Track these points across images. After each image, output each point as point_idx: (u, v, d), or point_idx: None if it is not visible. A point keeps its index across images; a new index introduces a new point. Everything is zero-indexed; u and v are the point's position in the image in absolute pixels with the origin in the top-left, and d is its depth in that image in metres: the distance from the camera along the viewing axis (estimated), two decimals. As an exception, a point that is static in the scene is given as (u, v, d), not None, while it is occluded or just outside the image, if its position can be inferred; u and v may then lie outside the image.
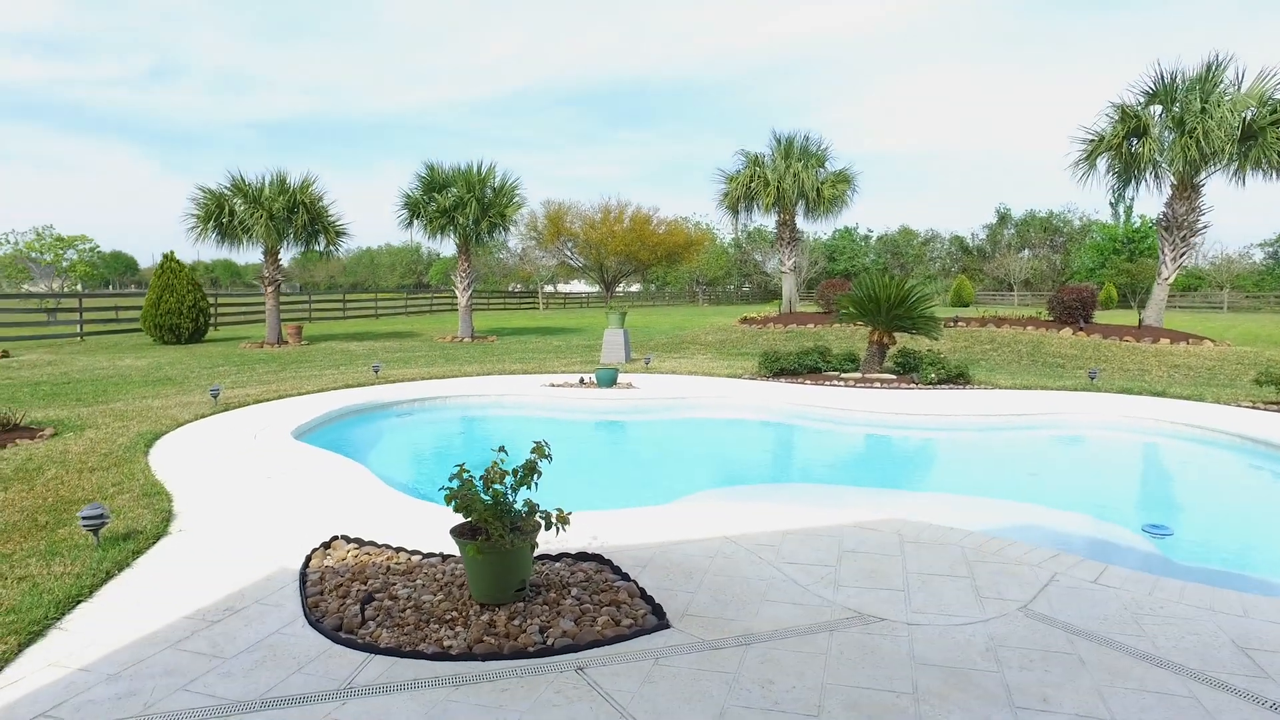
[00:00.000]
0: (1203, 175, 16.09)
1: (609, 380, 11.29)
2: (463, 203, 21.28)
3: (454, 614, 3.65)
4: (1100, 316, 39.13)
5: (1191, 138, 14.94)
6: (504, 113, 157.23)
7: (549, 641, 3.37)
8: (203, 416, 9.00)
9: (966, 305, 58.86)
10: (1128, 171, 16.84)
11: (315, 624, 3.57)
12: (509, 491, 3.78)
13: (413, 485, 6.92)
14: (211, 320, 27.66)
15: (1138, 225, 67.81)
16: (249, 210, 19.81)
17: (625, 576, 4.09)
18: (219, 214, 19.83)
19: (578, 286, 76.15)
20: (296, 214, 20.33)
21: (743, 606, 3.73)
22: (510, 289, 74.66)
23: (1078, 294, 17.04)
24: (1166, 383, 12.73)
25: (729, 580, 4.05)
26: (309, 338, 23.42)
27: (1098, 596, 3.80)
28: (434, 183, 21.78)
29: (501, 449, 4.05)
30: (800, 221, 21.87)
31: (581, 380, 11.73)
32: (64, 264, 36.96)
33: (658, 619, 3.60)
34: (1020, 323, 17.29)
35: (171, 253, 21.58)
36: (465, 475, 3.83)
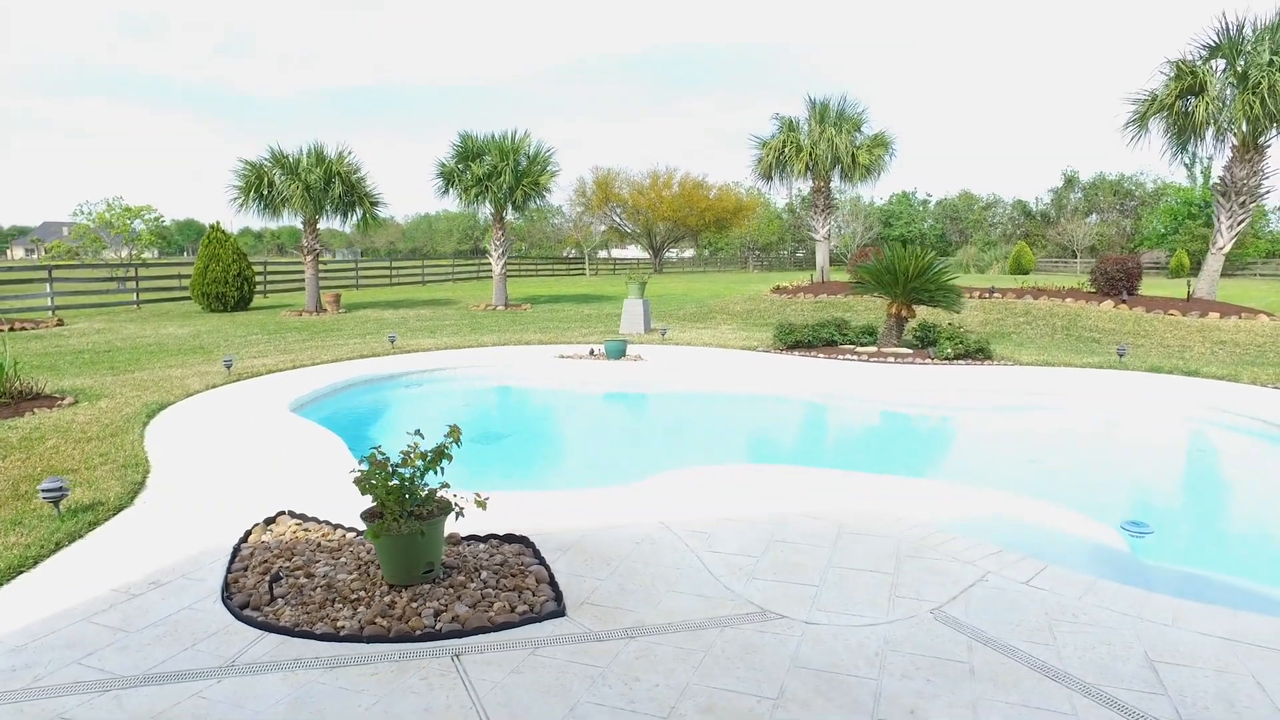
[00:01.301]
0: (1269, 135, 15.05)
1: (618, 352, 11.26)
2: (497, 171, 21.34)
3: (362, 594, 3.71)
4: (1168, 286, 37.37)
5: (1255, 94, 13.96)
6: (564, 80, 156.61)
7: (438, 626, 3.41)
8: (214, 387, 9.29)
9: (1026, 273, 56.80)
10: (1183, 133, 15.87)
11: (226, 600, 3.67)
12: (418, 475, 3.81)
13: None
14: (261, 288, 28.58)
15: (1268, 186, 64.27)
16: (287, 181, 20.21)
17: (542, 561, 4.10)
18: (259, 185, 20.29)
19: (631, 252, 76.01)
20: (332, 185, 20.66)
21: (646, 597, 3.70)
22: (565, 254, 74.89)
23: (1121, 264, 16.26)
24: (1206, 361, 12.11)
25: (645, 568, 4.03)
26: (348, 305, 23.94)
27: (1023, 599, 3.66)
28: (468, 151, 21.87)
29: (418, 432, 4.08)
30: (841, 187, 21.33)
31: (591, 352, 11.74)
32: (131, 234, 38.36)
33: (555, 606, 3.60)
34: (1060, 294, 16.61)
35: (218, 223, 22.24)
36: (379, 458, 3.87)
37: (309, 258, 21.54)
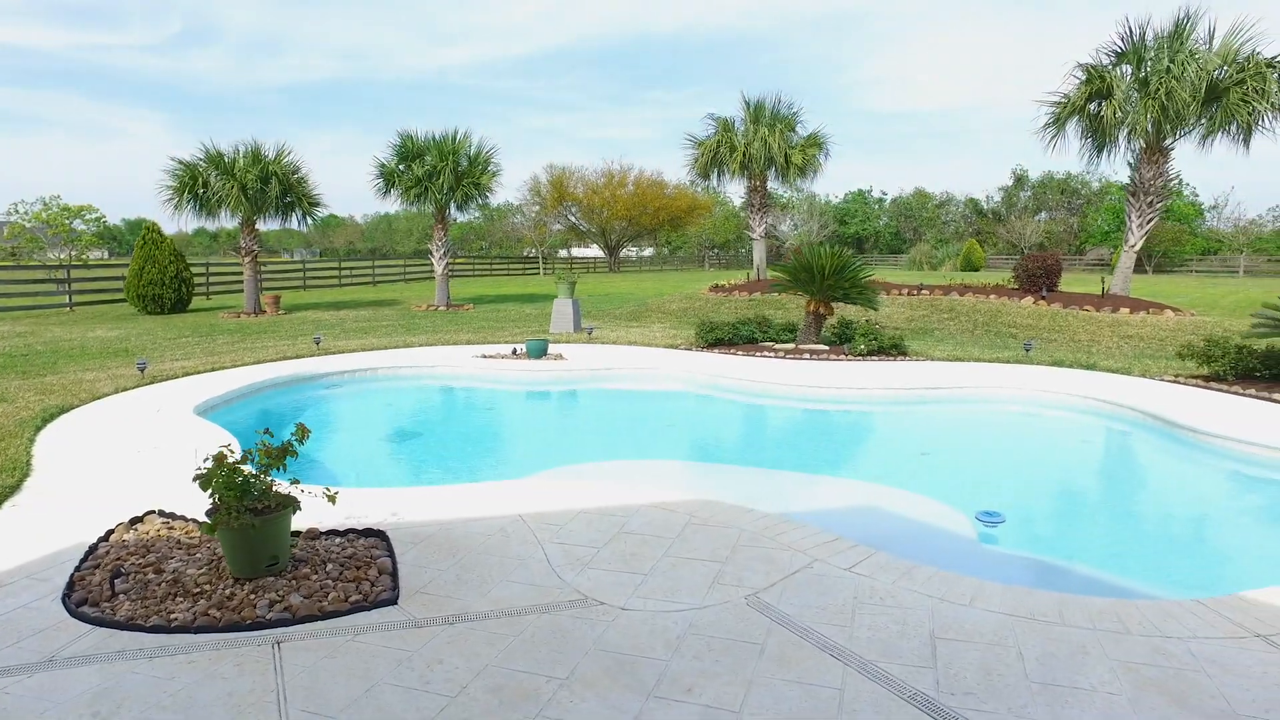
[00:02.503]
0: (1170, 139, 15.68)
1: (539, 351, 11.41)
2: (436, 171, 21.32)
3: (206, 587, 3.82)
4: (1089, 283, 38.42)
5: (1154, 99, 14.54)
6: (534, 74, 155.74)
7: (268, 616, 3.54)
8: (124, 390, 9.25)
9: (977, 269, 57.98)
10: (1098, 136, 16.44)
11: (65, 599, 3.76)
12: (260, 472, 3.93)
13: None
14: (204, 289, 28.19)
15: (1173, 185, 66.19)
16: (223, 181, 19.99)
17: (391, 554, 4.24)
18: (193, 185, 20.04)
19: (591, 251, 76.12)
20: (270, 185, 20.48)
21: (479, 586, 3.87)
22: (525, 253, 74.77)
23: (1042, 262, 16.81)
24: (1109, 354, 12.60)
25: (488, 559, 4.19)
26: (291, 307, 23.73)
27: (838, 584, 3.88)
28: (408, 151, 21.82)
29: (266, 430, 4.19)
30: (777, 186, 21.68)
31: (514, 351, 11.87)
32: (71, 234, 37.52)
33: (390, 595, 3.75)
34: (984, 291, 17.11)
35: (154, 224, 21.91)
36: (224, 457, 3.98)
37: (247, 259, 21.32)
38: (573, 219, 51.87)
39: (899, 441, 8.41)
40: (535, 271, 51.17)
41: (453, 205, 22.63)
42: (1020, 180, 76.93)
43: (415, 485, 5.61)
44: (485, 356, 11.60)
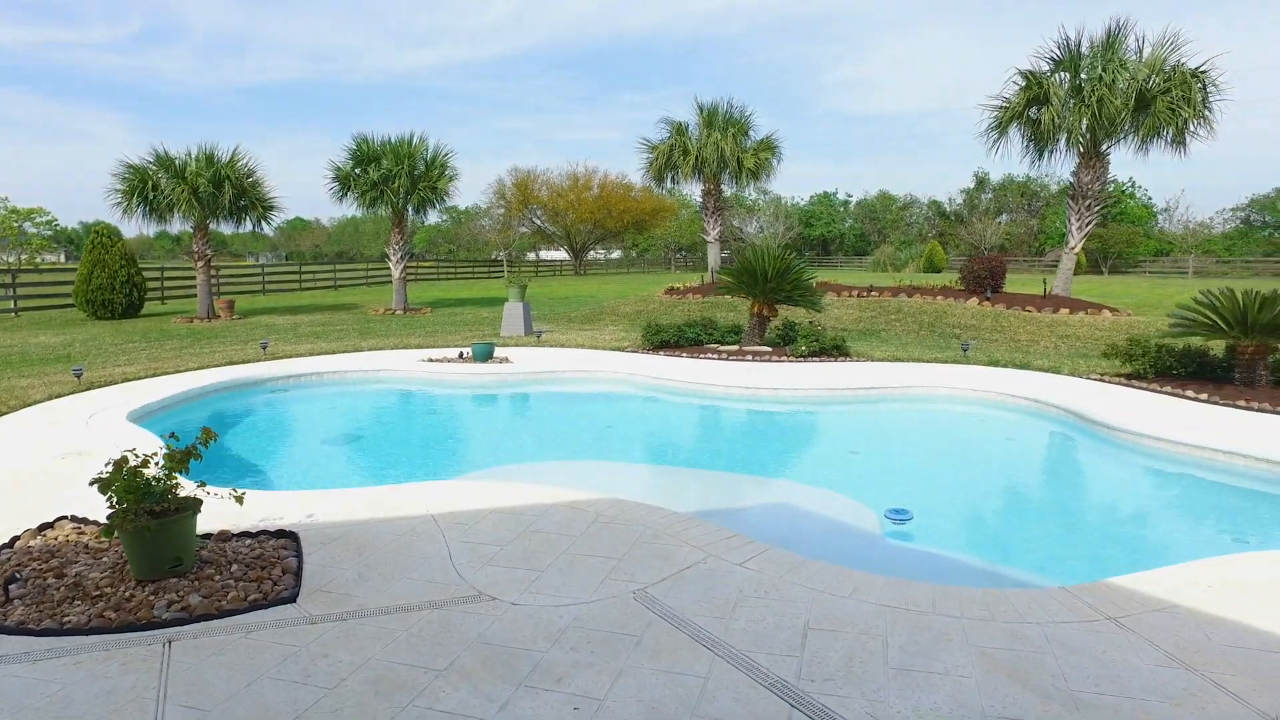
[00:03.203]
0: (1107, 145, 16.17)
1: (484, 355, 11.49)
2: (392, 175, 21.28)
3: (107, 590, 3.87)
4: (1036, 284, 39.22)
5: (1088, 106, 15.00)
6: (504, 76, 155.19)
7: (163, 616, 3.61)
8: (58, 396, 9.18)
9: (939, 270, 58.89)
10: (1041, 140, 16.89)
11: (-38, 603, 3.79)
12: (164, 476, 4.00)
13: (222, 465, 7.14)
14: (158, 294, 27.82)
15: (1112, 189, 67.71)
16: (172, 185, 19.79)
17: (299, 554, 4.32)
18: (143, 189, 19.81)
19: (559, 254, 76.17)
20: (223, 189, 20.31)
21: (379, 583, 3.97)
22: (494, 256, 74.58)
23: (987, 264, 17.21)
24: (1044, 354, 12.97)
25: (394, 557, 4.29)
26: (248, 311, 23.53)
27: (728, 579, 4.02)
28: (364, 155, 21.76)
29: (172, 435, 4.26)
30: (729, 188, 21.91)
31: (461, 355, 11.93)
32: (21, 237, 36.81)
33: (289, 594, 3.83)
34: (931, 292, 17.47)
35: (104, 226, 21.61)
36: (125, 461, 4.03)
37: (200, 263, 21.12)
38: (538, 222, 51.84)
39: (828, 441, 8.62)
40: (500, 275, 51.07)
41: (410, 209, 22.61)
42: (982, 183, 78.24)
43: (339, 488, 5.68)
44: (431, 360, 11.65)
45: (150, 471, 4.00)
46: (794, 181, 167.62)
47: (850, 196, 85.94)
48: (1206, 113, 14.95)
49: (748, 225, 73.53)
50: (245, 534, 4.61)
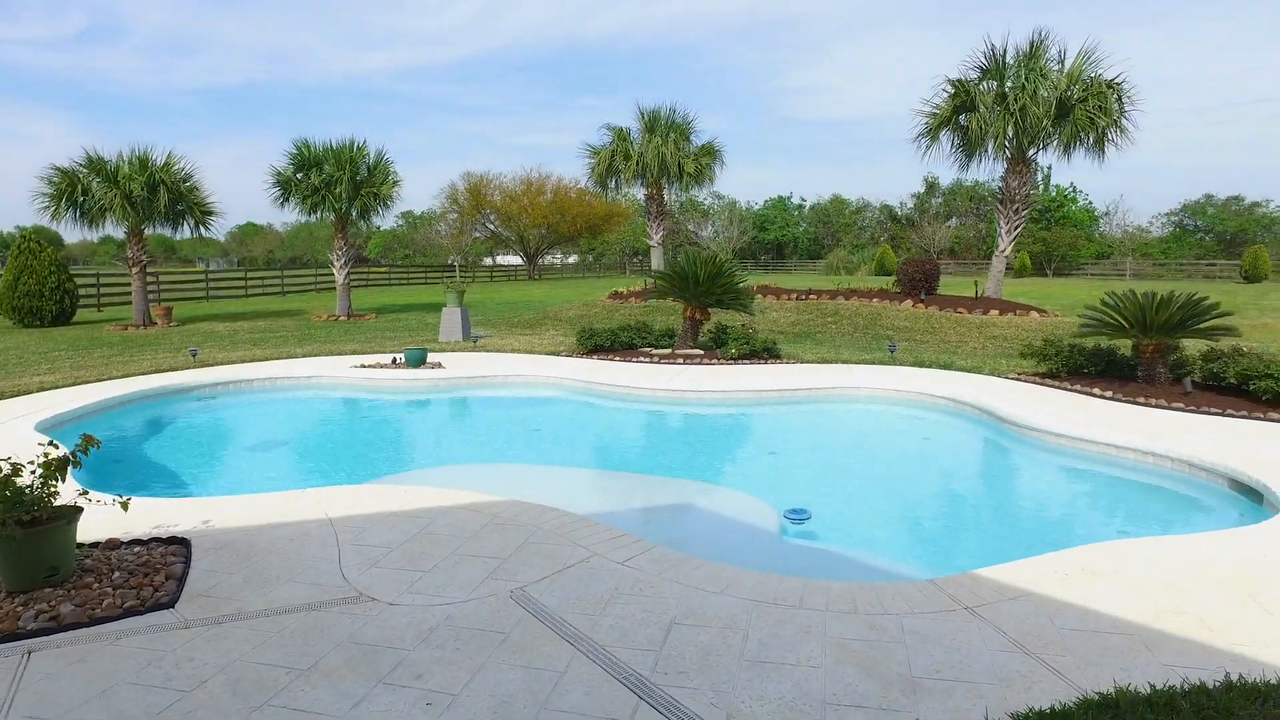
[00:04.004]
0: (1032, 151, 16.71)
1: (417, 360, 11.48)
2: (334, 180, 21.08)
3: (-22, 602, 3.85)
4: (1008, 286, 40.23)
5: (1012, 114, 15.51)
6: (464, 79, 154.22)
7: (30, 626, 3.59)
8: (-33, 406, 8.96)
9: (890, 274, 60.01)
10: (970, 145, 17.38)
11: None
12: (40, 484, 3.98)
13: (131, 472, 7.06)
14: (94, 301, 27.14)
15: (1054, 194, 69.59)
16: (105, 189, 19.36)
17: (187, 560, 4.33)
18: (72, 193, 19.35)
19: (516, 259, 75.90)
20: (158, 194, 19.92)
21: (262, 587, 3.99)
22: (449, 261, 74.00)
23: (921, 267, 17.63)
24: (976, 354, 13.34)
25: (281, 561, 4.32)
26: (184, 318, 23.09)
27: (606, 577, 4.12)
28: (305, 160, 21.52)
29: (52, 443, 4.23)
30: (674, 193, 22.11)
31: (394, 360, 11.90)
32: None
33: (168, 600, 3.84)
34: (869, 295, 17.84)
35: (31, 231, 21.05)
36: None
37: (135, 269, 20.68)
38: (492, 227, 51.67)
39: (746, 442, 8.79)
40: (454, 278, 50.77)
41: (354, 214, 22.42)
42: (932, 187, 79.79)
43: (247, 494, 5.67)
44: (364, 366, 11.59)
45: (23, 480, 3.98)
46: (751, 185, 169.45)
47: (804, 201, 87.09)
48: (1124, 121, 15.60)
49: (703, 229, 74.09)
50: (136, 541, 4.60)
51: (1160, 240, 65.49)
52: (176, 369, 11.64)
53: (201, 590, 3.96)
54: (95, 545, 4.51)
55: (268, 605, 3.79)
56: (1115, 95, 15.34)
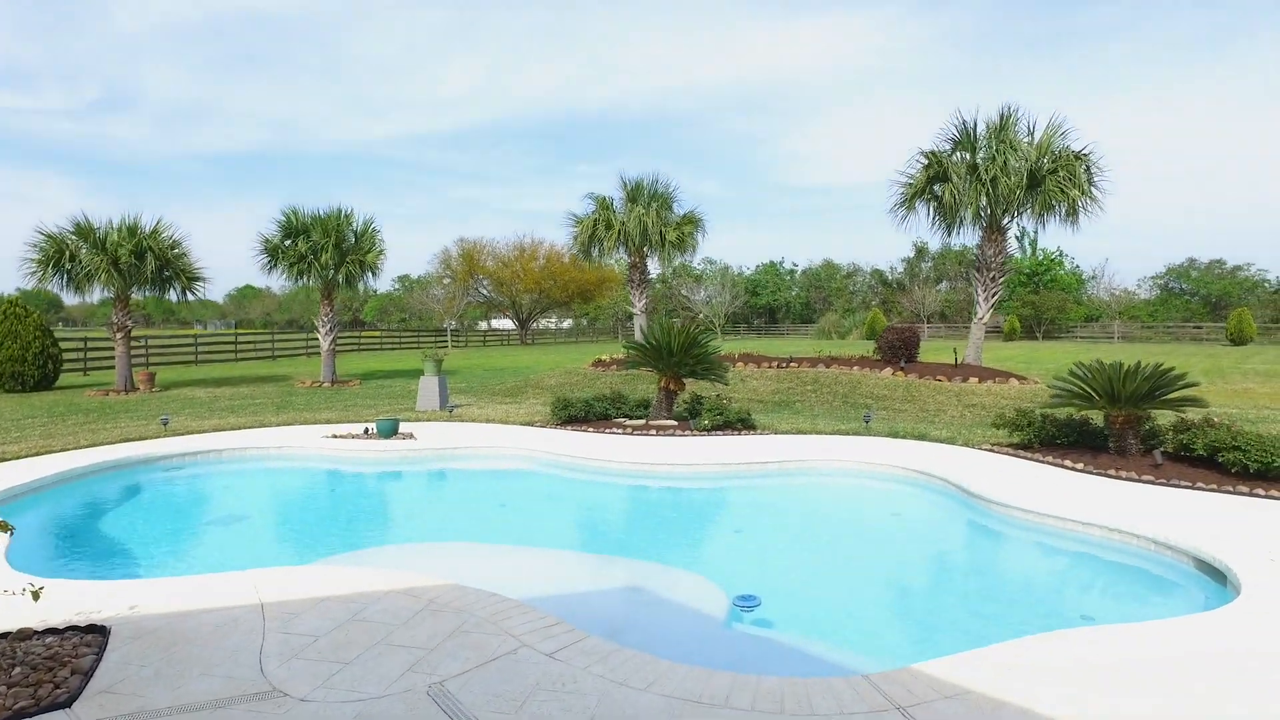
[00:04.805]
0: (1006, 220, 16.98)
1: (388, 431, 11.39)
2: (319, 248, 21.30)
3: (-126, 698, 3.69)
4: (997, 350, 40.49)
5: (983, 184, 15.81)
6: (465, 146, 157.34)
7: (-83, 728, 3.44)
8: (-76, 479, 8.82)
9: (881, 338, 60.46)
10: (947, 214, 17.66)
11: None
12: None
13: (69, 552, 6.91)
14: (83, 365, 27.13)
15: (1041, 259, 70.54)
16: (91, 256, 19.52)
17: (100, 651, 4.18)
18: (59, 259, 19.50)
19: (509, 324, 76.37)
20: (145, 260, 20.08)
21: (173, 681, 3.84)
22: (444, 326, 74.40)
23: (901, 334, 17.70)
24: (954, 423, 13.28)
25: (201, 651, 4.17)
26: (167, 384, 23.02)
27: (531, 670, 3.96)
28: (293, 227, 21.78)
29: (-34, 530, 4.13)
30: (656, 263, 22.37)
31: (365, 431, 11.80)
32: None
33: (69, 698, 3.69)
34: (849, 363, 17.86)
35: (15, 296, 21.13)
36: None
37: (119, 335, 20.70)
38: (485, 292, 52.14)
39: (708, 519, 8.65)
40: (445, 344, 50.96)
41: (341, 280, 22.59)
42: (921, 252, 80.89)
43: (190, 574, 5.53)
44: (335, 436, 11.50)
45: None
46: (744, 250, 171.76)
47: (796, 265, 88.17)
48: (1094, 191, 15.90)
49: (695, 294, 74.79)
50: (51, 630, 4.45)
51: (1147, 303, 66.15)
52: (145, 438, 11.52)
53: (106, 686, 3.81)
54: (4, 636, 4.36)
55: (174, 702, 3.64)
56: (1084, 166, 15.69)
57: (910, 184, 17.40)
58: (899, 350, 17.58)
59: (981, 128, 16.53)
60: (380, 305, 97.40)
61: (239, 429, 12.49)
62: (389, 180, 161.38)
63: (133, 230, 20.31)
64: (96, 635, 4.40)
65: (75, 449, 10.68)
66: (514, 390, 18.86)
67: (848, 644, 5.18)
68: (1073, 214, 16.34)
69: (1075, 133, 16.20)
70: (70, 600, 4.90)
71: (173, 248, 21.01)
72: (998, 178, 15.40)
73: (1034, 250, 71.87)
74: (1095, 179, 15.94)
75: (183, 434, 11.97)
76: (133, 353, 26.14)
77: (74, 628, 4.48)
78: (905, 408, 14.95)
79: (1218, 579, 5.84)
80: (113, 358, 28.63)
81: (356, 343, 45.98)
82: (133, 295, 20.99)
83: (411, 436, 11.39)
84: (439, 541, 7.32)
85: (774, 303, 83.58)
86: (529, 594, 5.21)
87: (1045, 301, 62.30)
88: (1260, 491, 7.77)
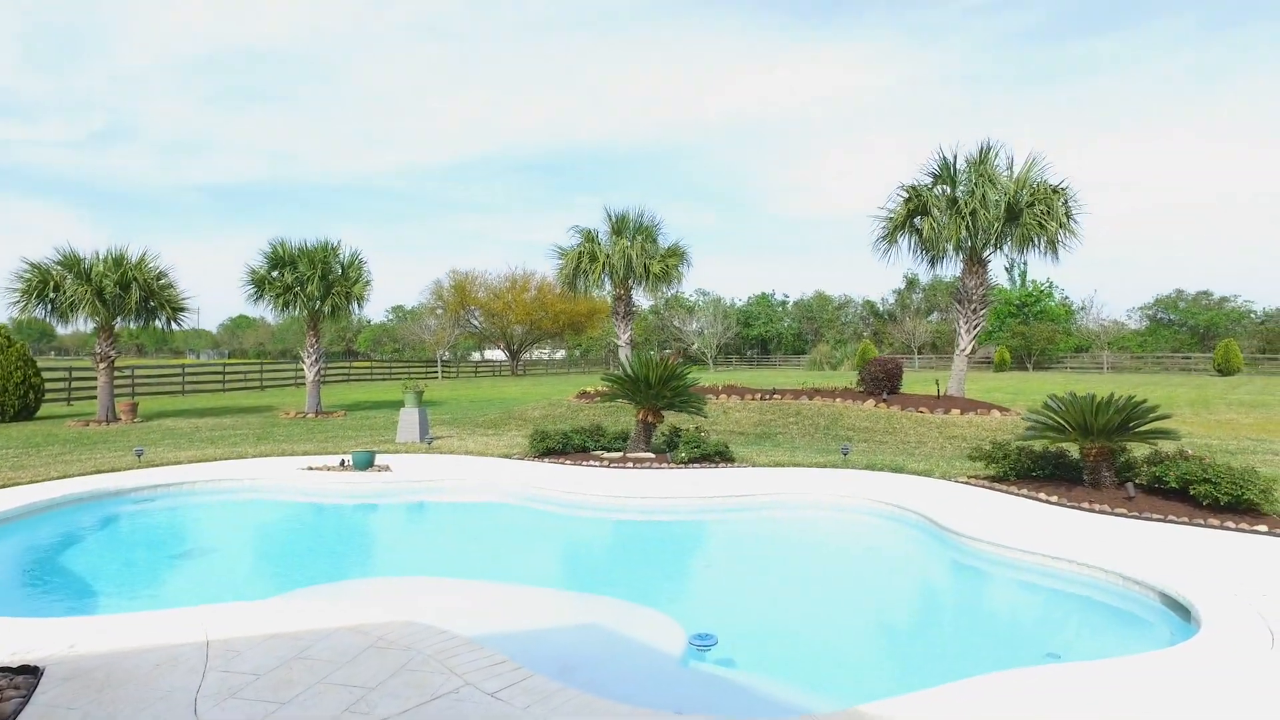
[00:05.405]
0: (987, 252, 17.11)
1: (364, 463, 11.31)
2: (305, 279, 21.35)
3: None
4: (987, 380, 40.61)
5: (963, 218, 15.96)
6: (462, 178, 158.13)
7: None
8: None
9: (872, 369, 60.61)
10: (930, 247, 17.79)
11: None
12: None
13: (21, 587, 6.81)
14: (67, 395, 27.00)
15: (1031, 290, 71.02)
16: (76, 286, 19.52)
17: (29, 693, 4.09)
18: (43, 289, 19.50)
19: (498, 355, 76.40)
20: (130, 291, 20.09)
21: (100, 724, 3.76)
22: (439, 356, 74.36)
23: (883, 366, 17.72)
24: (934, 455, 13.26)
25: (135, 692, 4.08)
26: (151, 414, 22.90)
27: (470, 712, 3.85)
28: (279, 259, 21.85)
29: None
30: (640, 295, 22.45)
31: (342, 463, 11.71)
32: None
33: (-8, 742, 3.61)
34: (832, 395, 17.86)
35: (1, 326, 21.09)
36: None
37: (102, 365, 20.63)
38: (476, 323, 52.26)
39: (678, 553, 8.57)
40: (435, 375, 50.91)
41: (327, 311, 22.62)
42: (912, 283, 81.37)
43: (130, 611, 5.44)
44: (311, 469, 11.41)
45: None
46: (738, 281, 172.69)
47: (788, 297, 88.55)
48: (1073, 224, 16.07)
49: (689, 325, 75.00)
50: (-12, 670, 4.35)
51: (1136, 333, 66.51)
52: (117, 470, 11.42)
53: (35, 728, 3.73)
54: (-59, 675, 4.27)
55: (99, 745, 3.56)
56: (1062, 200, 15.87)
57: (891, 218, 17.56)
58: (882, 382, 17.59)
59: (961, 162, 16.78)
60: (374, 336, 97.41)
61: (215, 460, 12.39)
62: (386, 211, 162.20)
63: (118, 261, 20.36)
64: (28, 676, 4.31)
65: (45, 480, 10.57)
66: (496, 422, 18.80)
67: (804, 683, 5.11)
68: (1052, 247, 16.49)
69: (1053, 167, 16.42)
70: (5, 639, 4.81)
71: (159, 278, 21.05)
72: (977, 210, 15.57)
73: (1024, 281, 72.52)
74: (1073, 213, 16.14)
75: (157, 465, 11.87)
76: (118, 383, 26.09)
77: (4, 669, 4.39)
78: (886, 440, 14.92)
79: (1182, 614, 5.79)
80: (95, 388, 28.62)
81: (346, 373, 45.86)
82: (117, 325, 20.97)
83: (387, 469, 11.31)
84: (402, 576, 7.23)
85: (766, 334, 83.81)
86: (483, 630, 5.13)
87: (1035, 333, 62.62)
88: (1230, 525, 7.75)
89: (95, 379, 29.11)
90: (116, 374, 22.70)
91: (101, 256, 20.39)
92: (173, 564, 7.67)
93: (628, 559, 8.24)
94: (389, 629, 4.98)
